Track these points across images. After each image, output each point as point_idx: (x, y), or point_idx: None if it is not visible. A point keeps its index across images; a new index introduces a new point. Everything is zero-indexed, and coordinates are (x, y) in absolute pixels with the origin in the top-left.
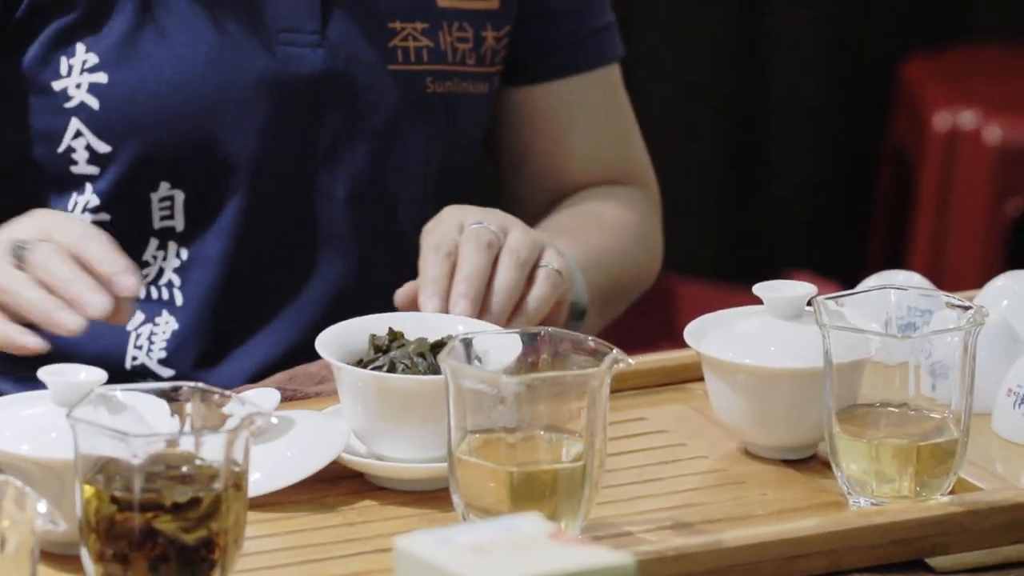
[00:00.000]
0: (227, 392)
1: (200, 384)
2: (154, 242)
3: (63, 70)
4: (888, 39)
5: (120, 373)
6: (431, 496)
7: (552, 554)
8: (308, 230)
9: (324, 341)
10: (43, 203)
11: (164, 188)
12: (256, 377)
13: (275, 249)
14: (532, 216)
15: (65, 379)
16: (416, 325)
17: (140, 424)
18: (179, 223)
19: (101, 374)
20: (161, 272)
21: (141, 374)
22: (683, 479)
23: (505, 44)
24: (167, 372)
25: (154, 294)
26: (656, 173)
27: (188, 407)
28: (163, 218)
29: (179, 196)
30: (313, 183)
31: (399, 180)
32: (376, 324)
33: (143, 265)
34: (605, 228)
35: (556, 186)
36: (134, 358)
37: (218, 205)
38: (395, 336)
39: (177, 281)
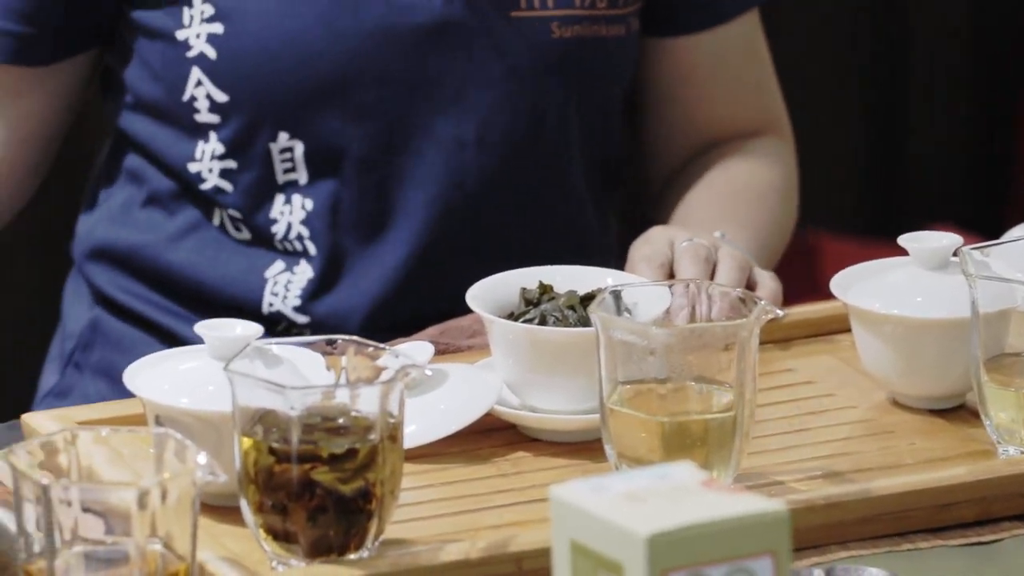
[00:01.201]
0: (381, 345)
1: (355, 337)
2: (280, 197)
3: (185, 20)
4: None
5: (256, 319)
6: (583, 447)
7: (706, 501)
8: (437, 176)
9: (475, 295)
10: (176, 148)
11: (283, 139)
12: (389, 327)
13: (401, 195)
14: (669, 164)
15: (222, 333)
16: (565, 278)
17: (296, 377)
18: (301, 175)
19: (257, 328)
20: (289, 226)
21: (276, 320)
22: (832, 429)
23: None
24: (302, 319)
25: (287, 247)
26: (798, 128)
27: (343, 360)
28: (286, 171)
29: (298, 147)
30: (437, 129)
31: (531, 124)
32: (526, 277)
33: (271, 222)
34: (759, 198)
35: (696, 135)
36: (271, 304)
37: (338, 154)
38: (545, 289)
39: (305, 232)
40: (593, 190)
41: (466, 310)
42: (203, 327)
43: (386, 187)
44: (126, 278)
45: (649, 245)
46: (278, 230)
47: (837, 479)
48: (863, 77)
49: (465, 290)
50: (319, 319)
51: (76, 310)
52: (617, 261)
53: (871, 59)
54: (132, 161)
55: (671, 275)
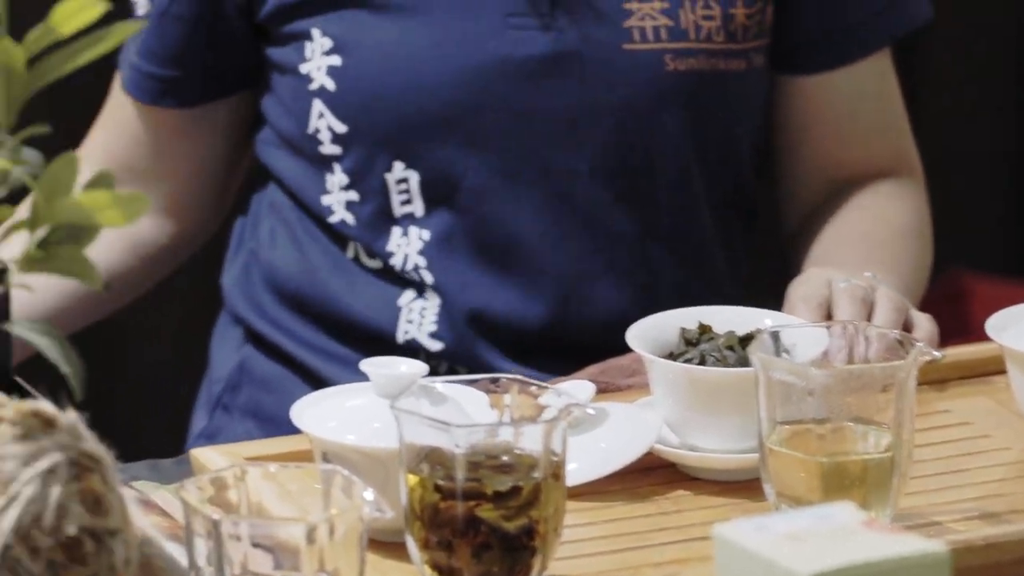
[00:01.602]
0: (544, 384)
1: (519, 376)
2: (396, 230)
3: (307, 53)
4: None
5: (393, 347)
6: (742, 485)
7: (867, 542)
8: (552, 205)
9: (635, 334)
10: (309, 180)
11: (399, 168)
12: (518, 351)
13: (516, 223)
14: (803, 203)
15: (388, 371)
16: (724, 319)
17: (460, 415)
18: (417, 207)
19: (422, 366)
20: (406, 258)
21: (413, 348)
22: (988, 470)
23: (760, 21)
24: (437, 345)
25: (407, 276)
26: (945, 167)
27: (506, 398)
28: (403, 203)
29: (414, 177)
30: (550, 159)
31: (649, 155)
32: (685, 318)
33: (388, 255)
34: (899, 239)
35: (832, 173)
36: (406, 332)
37: (454, 184)
38: (704, 330)
39: (423, 262)
40: (720, 228)
41: (593, 336)
42: (369, 365)
43: (500, 217)
44: (275, 309)
45: (807, 285)
46: (396, 262)
47: (994, 520)
48: (1009, 117)
49: (587, 315)
50: (452, 348)
51: (224, 353)
52: (744, 303)
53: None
54: (274, 195)
55: (829, 316)
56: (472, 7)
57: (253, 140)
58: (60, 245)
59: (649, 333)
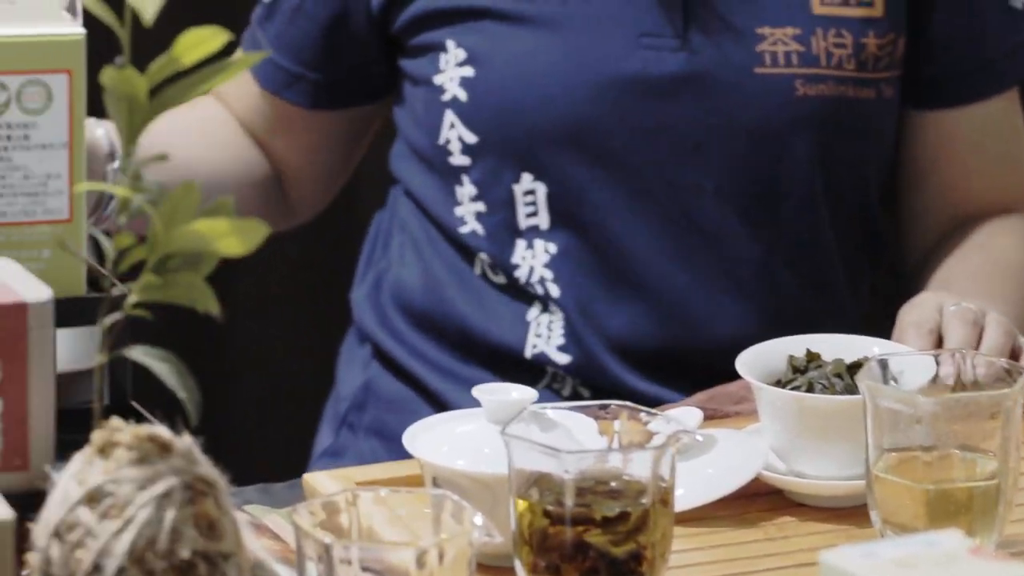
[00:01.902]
0: (653, 411)
1: (627, 403)
2: (521, 243)
3: (441, 64)
4: None
5: (520, 362)
6: (848, 512)
7: (973, 569)
8: (676, 223)
9: (744, 361)
10: (440, 193)
11: (527, 180)
12: (645, 365)
13: (641, 239)
14: (926, 234)
15: (499, 397)
16: (832, 346)
17: (570, 440)
18: (543, 220)
19: (532, 393)
20: (532, 270)
21: (540, 362)
22: None
23: (891, 52)
24: (565, 359)
25: (533, 290)
26: None
27: (615, 424)
28: (528, 215)
29: (541, 189)
30: (677, 177)
31: (775, 177)
32: (793, 345)
33: (513, 268)
34: (1019, 274)
35: (955, 208)
36: (534, 346)
37: (581, 198)
38: (812, 357)
39: (548, 275)
40: (845, 256)
41: (715, 357)
42: (481, 391)
43: (624, 233)
44: (403, 327)
45: (918, 310)
46: (521, 275)
47: None
48: None
49: (708, 336)
50: (579, 359)
51: (350, 373)
52: (865, 330)
53: None
54: (405, 212)
55: (939, 341)
56: (607, 24)
57: (362, 146)
58: (177, 272)
59: (759, 360)
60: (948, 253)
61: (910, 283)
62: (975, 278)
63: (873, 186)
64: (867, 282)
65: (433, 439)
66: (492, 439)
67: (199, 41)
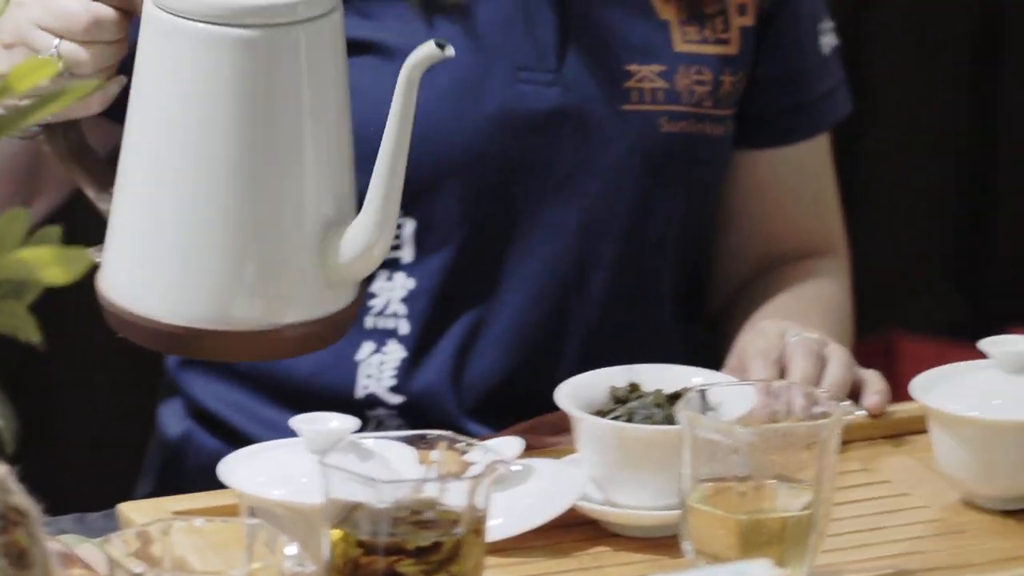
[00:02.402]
0: (472, 440)
1: (446, 432)
2: (383, 273)
3: None
4: None
5: (350, 402)
6: (662, 542)
7: None
8: (538, 260)
9: (564, 392)
10: None
11: None
12: (479, 403)
13: (501, 276)
14: (735, 276)
15: (317, 427)
16: (652, 377)
17: (388, 470)
18: (407, 253)
19: (353, 421)
20: (388, 303)
21: (371, 403)
22: (905, 528)
23: (739, 90)
24: (396, 399)
25: (381, 324)
26: (883, 230)
27: (434, 454)
28: (392, 248)
29: (409, 224)
30: (544, 214)
31: (636, 217)
32: (614, 376)
33: (370, 296)
34: (834, 312)
35: (765, 248)
36: (365, 387)
37: (446, 234)
38: (634, 388)
39: (403, 311)
40: (677, 294)
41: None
42: (299, 421)
43: (487, 269)
44: (219, 382)
45: (762, 339)
46: (375, 304)
47: None
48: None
49: (553, 371)
50: (413, 399)
51: (170, 420)
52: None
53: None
54: None
55: (783, 371)
56: (483, 58)
57: None
58: (1, 300)
59: (581, 391)
60: (766, 292)
61: (717, 322)
62: (805, 314)
63: (708, 231)
64: (695, 323)
65: (250, 469)
66: (310, 468)
67: (32, 69)
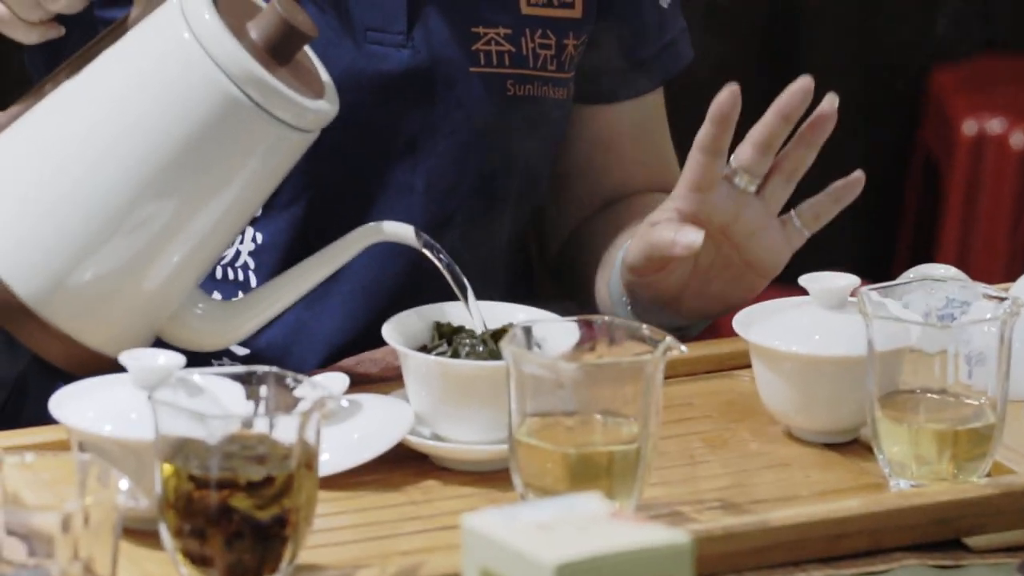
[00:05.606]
0: (299, 376)
1: (274, 368)
2: None
3: None
4: (914, 51)
5: (197, 353)
6: (491, 476)
7: (613, 531)
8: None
9: (390, 329)
10: None
11: None
12: (325, 359)
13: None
14: (575, 217)
15: (145, 363)
16: (480, 314)
17: (217, 406)
18: None
19: (180, 358)
20: (238, 254)
21: (217, 354)
22: (730, 461)
23: (580, 52)
24: (243, 351)
25: (230, 275)
26: None
27: (262, 390)
28: None
29: None
30: (389, 175)
31: (482, 177)
32: (441, 312)
33: None
34: None
35: (611, 195)
36: None
37: (294, 191)
38: (459, 325)
39: (252, 263)
40: (522, 239)
41: None
42: (128, 356)
43: (335, 228)
44: None
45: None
46: (227, 253)
47: (734, 510)
48: None
49: None
50: (258, 351)
51: (6, 358)
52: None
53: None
54: None
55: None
56: (336, 20)
57: None
58: None
59: (407, 327)
60: (618, 223)
61: (558, 258)
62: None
63: (548, 181)
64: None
65: (81, 405)
66: (139, 404)
67: None
